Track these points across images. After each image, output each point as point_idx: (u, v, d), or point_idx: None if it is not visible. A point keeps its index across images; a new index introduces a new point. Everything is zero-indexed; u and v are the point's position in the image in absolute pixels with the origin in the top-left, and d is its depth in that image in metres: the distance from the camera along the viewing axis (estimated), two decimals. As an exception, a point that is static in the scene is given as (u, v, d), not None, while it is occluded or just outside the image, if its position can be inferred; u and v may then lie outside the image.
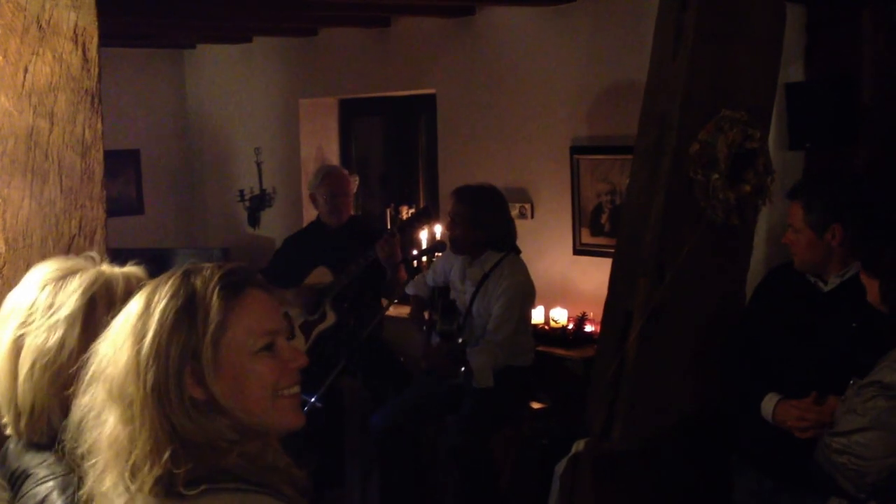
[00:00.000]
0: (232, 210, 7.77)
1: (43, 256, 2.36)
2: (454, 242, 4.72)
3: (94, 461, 1.46)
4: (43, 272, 1.75)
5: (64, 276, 1.73)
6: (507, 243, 4.69)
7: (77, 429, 1.50)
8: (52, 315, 1.68)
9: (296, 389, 1.55)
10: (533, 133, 5.66)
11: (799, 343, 3.26)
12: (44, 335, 1.67)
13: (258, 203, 7.51)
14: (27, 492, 1.66)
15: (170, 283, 1.48)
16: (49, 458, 1.66)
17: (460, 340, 4.54)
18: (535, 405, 4.92)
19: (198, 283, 1.48)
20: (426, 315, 4.93)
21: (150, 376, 1.42)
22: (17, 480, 1.69)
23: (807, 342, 3.23)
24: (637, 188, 3.67)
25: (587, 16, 5.30)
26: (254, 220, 7.57)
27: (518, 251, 4.72)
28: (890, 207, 3.32)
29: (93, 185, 2.41)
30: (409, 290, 5.06)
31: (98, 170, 2.41)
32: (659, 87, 3.60)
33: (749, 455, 3.44)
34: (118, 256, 1.88)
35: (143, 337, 1.44)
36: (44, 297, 1.70)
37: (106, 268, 1.77)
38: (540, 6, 5.46)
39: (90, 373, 1.49)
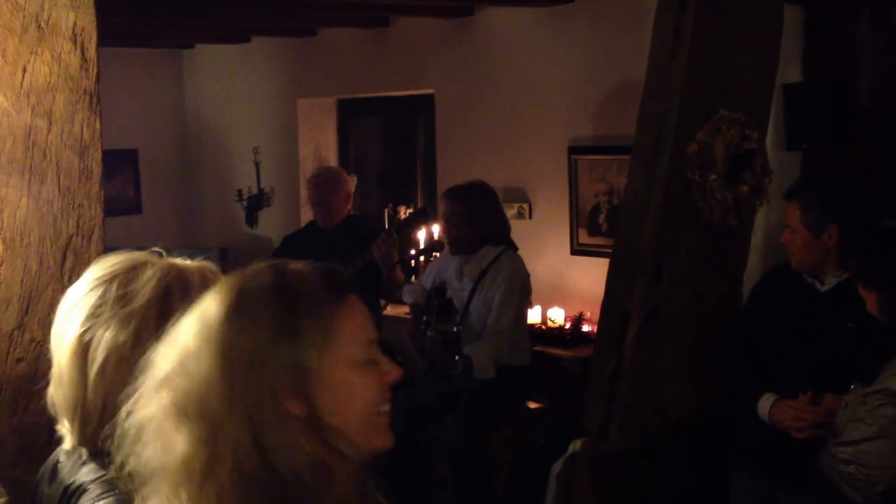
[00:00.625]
0: (230, 210, 7.77)
1: (40, 256, 2.37)
2: (454, 243, 4.71)
3: (156, 483, 1.27)
4: (107, 266, 1.61)
5: (134, 268, 1.60)
6: (503, 236, 4.70)
7: (132, 441, 1.30)
8: (124, 306, 1.55)
9: (388, 406, 1.37)
10: (531, 133, 5.67)
11: (796, 343, 3.26)
12: (116, 328, 1.54)
13: (256, 203, 7.51)
14: None
15: (263, 280, 1.30)
16: (108, 473, 1.50)
17: (455, 329, 4.55)
18: (533, 405, 4.93)
19: (299, 282, 1.30)
20: (424, 319, 4.93)
21: (242, 391, 1.23)
22: (72, 497, 1.57)
23: (804, 342, 3.23)
24: (635, 188, 3.68)
25: (585, 16, 5.30)
26: (252, 220, 7.57)
27: (515, 247, 4.73)
28: (886, 209, 3.32)
29: (91, 185, 2.41)
30: (406, 297, 5.05)
31: (96, 169, 2.42)
32: (657, 88, 3.61)
33: (746, 455, 3.44)
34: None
35: (236, 345, 1.24)
36: (113, 289, 1.56)
37: (178, 260, 1.66)
38: (538, 7, 5.46)
39: (153, 378, 1.29)
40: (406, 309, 5.30)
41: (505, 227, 4.75)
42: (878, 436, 2.64)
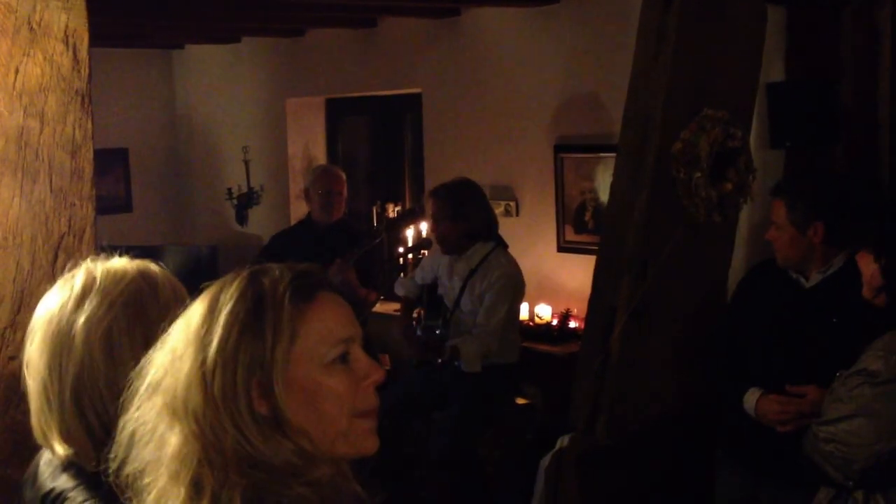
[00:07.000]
0: (220, 208, 7.79)
1: (32, 255, 2.39)
2: (442, 242, 4.70)
3: (149, 480, 1.29)
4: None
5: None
6: (491, 233, 4.68)
7: (127, 445, 1.33)
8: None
9: (373, 408, 1.36)
10: (517, 132, 5.70)
11: (781, 339, 3.29)
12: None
13: (246, 201, 7.53)
14: None
15: (236, 284, 1.32)
16: (88, 480, 1.53)
17: (437, 332, 4.58)
18: (520, 401, 4.95)
19: (266, 284, 1.31)
20: (416, 313, 4.94)
21: (216, 388, 1.26)
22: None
23: (788, 338, 3.27)
24: (620, 186, 3.70)
25: (571, 16, 5.33)
26: (241, 218, 7.58)
27: (505, 245, 4.73)
28: (870, 205, 3.36)
29: (83, 184, 2.43)
30: (399, 290, 5.07)
31: (88, 169, 2.43)
32: (642, 87, 3.63)
33: (732, 450, 3.47)
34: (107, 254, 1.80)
35: (209, 345, 1.27)
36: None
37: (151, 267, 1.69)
38: (524, 7, 5.49)
39: (145, 384, 1.32)
40: (396, 306, 5.33)
41: (492, 224, 4.72)
42: (856, 414, 2.68)
